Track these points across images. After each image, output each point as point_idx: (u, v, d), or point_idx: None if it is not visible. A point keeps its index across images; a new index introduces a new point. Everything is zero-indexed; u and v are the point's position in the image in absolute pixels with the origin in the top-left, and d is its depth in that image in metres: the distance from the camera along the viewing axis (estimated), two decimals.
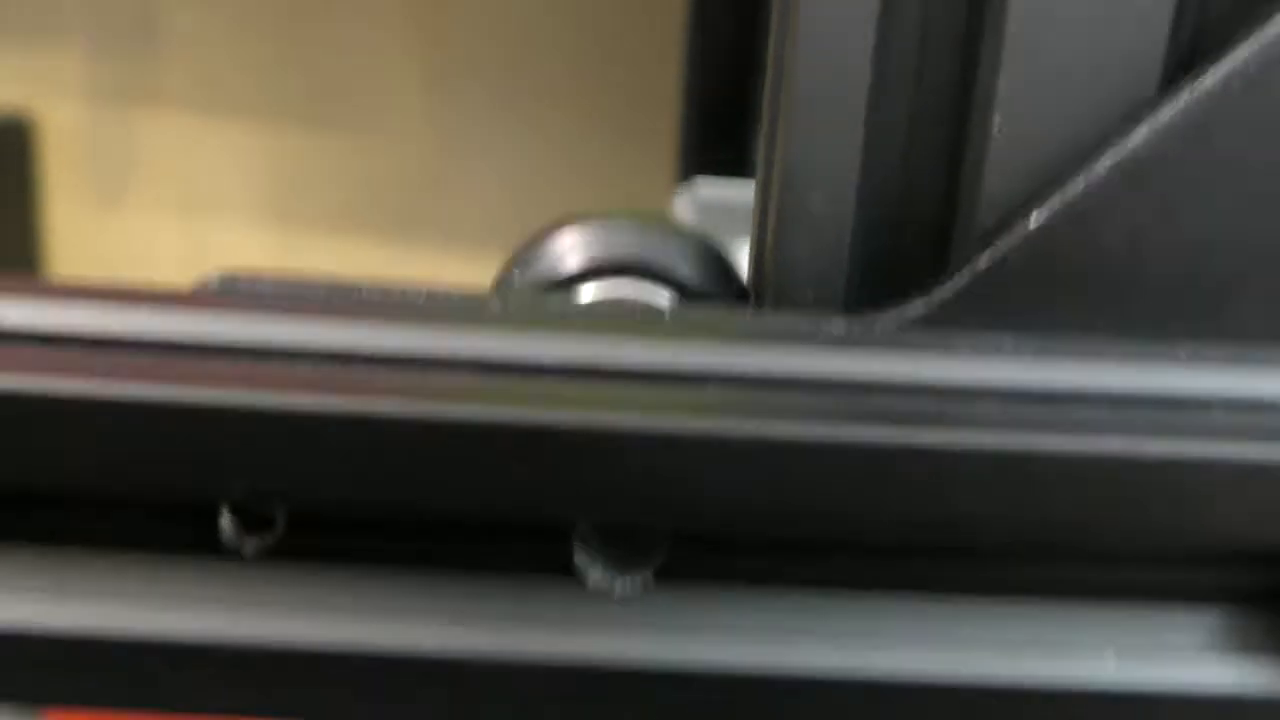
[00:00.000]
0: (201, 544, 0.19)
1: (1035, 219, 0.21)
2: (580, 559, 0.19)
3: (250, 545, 0.19)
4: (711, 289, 0.23)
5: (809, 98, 0.21)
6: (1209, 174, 0.21)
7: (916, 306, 0.21)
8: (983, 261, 0.21)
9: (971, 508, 0.18)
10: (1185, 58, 0.21)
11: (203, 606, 0.19)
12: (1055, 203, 0.21)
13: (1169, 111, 0.20)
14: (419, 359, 0.19)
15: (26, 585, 0.19)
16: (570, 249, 0.23)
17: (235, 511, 0.19)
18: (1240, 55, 0.20)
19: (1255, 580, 0.20)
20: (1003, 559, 0.20)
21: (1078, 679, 0.19)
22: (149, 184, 0.87)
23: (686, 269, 0.23)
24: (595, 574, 0.19)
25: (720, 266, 0.23)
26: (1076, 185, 0.21)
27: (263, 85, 0.84)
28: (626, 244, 0.23)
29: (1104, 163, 0.21)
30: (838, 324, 0.21)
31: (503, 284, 0.23)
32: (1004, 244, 0.21)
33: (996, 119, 0.21)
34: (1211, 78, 0.20)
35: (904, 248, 0.22)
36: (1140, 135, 0.20)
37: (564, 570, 0.19)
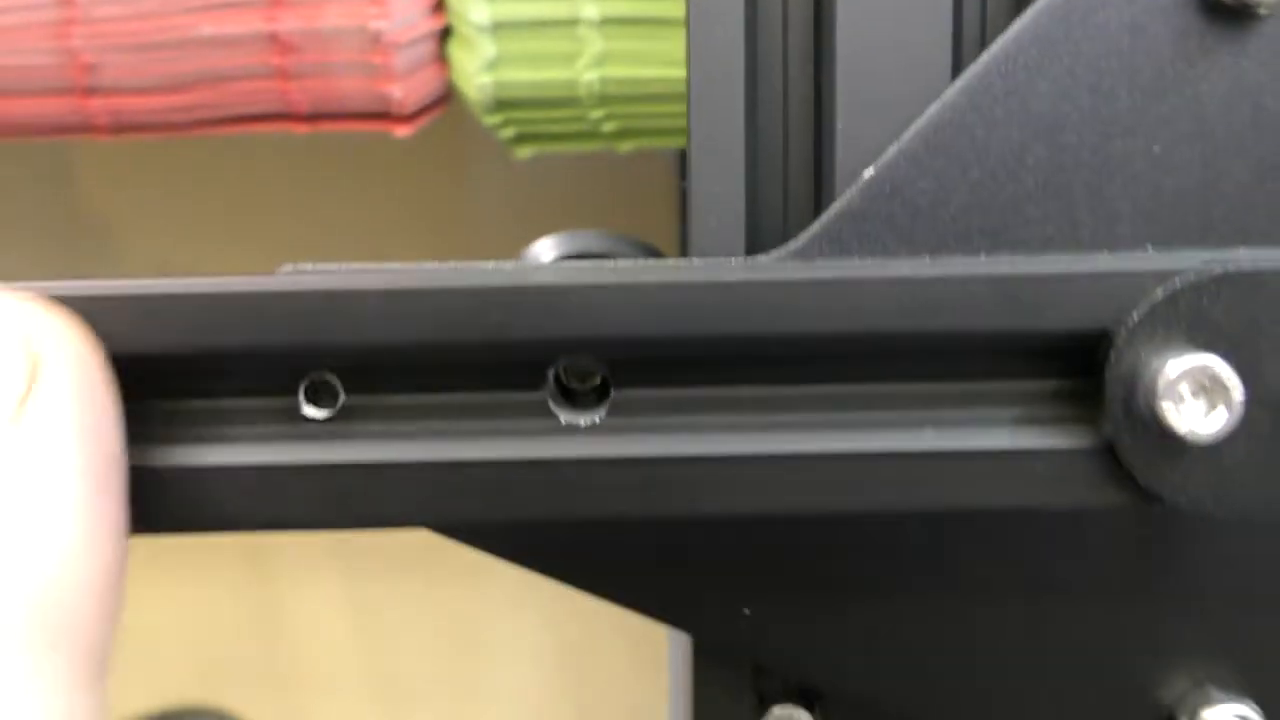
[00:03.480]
0: None
1: (865, 177, 0.29)
2: (553, 403, 0.26)
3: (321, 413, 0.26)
4: None
5: (704, 101, 0.30)
6: (984, 132, 0.29)
7: (792, 245, 0.29)
8: (835, 208, 0.29)
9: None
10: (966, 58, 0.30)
11: None
12: (881, 164, 0.29)
13: (951, 94, 0.29)
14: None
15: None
16: (539, 251, 0.32)
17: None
18: (997, 49, 0.29)
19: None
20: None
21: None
22: None
23: (627, 252, 0.31)
24: (565, 414, 0.26)
25: (655, 252, 0.31)
26: (890, 153, 0.29)
27: None
28: (580, 241, 0.31)
29: (908, 136, 0.29)
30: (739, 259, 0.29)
31: None
32: (847, 196, 0.29)
33: (840, 113, 0.30)
34: (977, 67, 0.29)
35: (787, 209, 0.31)
36: (932, 113, 0.29)
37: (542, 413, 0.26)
